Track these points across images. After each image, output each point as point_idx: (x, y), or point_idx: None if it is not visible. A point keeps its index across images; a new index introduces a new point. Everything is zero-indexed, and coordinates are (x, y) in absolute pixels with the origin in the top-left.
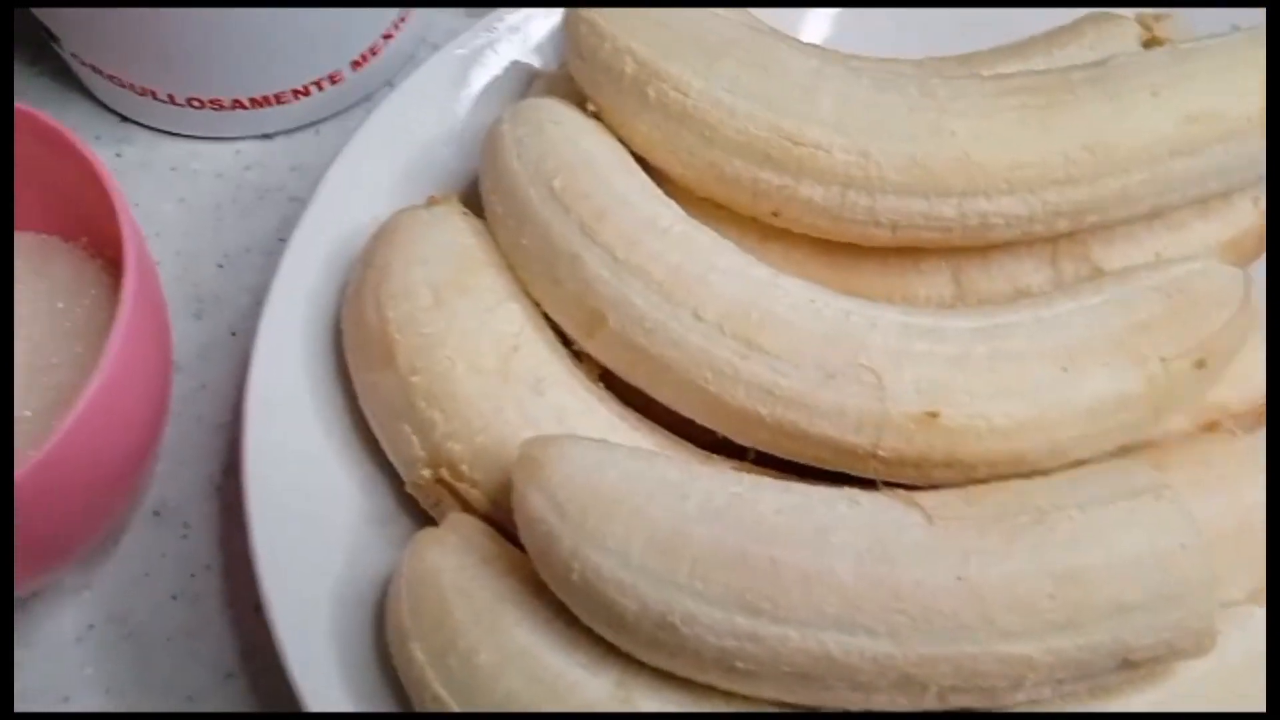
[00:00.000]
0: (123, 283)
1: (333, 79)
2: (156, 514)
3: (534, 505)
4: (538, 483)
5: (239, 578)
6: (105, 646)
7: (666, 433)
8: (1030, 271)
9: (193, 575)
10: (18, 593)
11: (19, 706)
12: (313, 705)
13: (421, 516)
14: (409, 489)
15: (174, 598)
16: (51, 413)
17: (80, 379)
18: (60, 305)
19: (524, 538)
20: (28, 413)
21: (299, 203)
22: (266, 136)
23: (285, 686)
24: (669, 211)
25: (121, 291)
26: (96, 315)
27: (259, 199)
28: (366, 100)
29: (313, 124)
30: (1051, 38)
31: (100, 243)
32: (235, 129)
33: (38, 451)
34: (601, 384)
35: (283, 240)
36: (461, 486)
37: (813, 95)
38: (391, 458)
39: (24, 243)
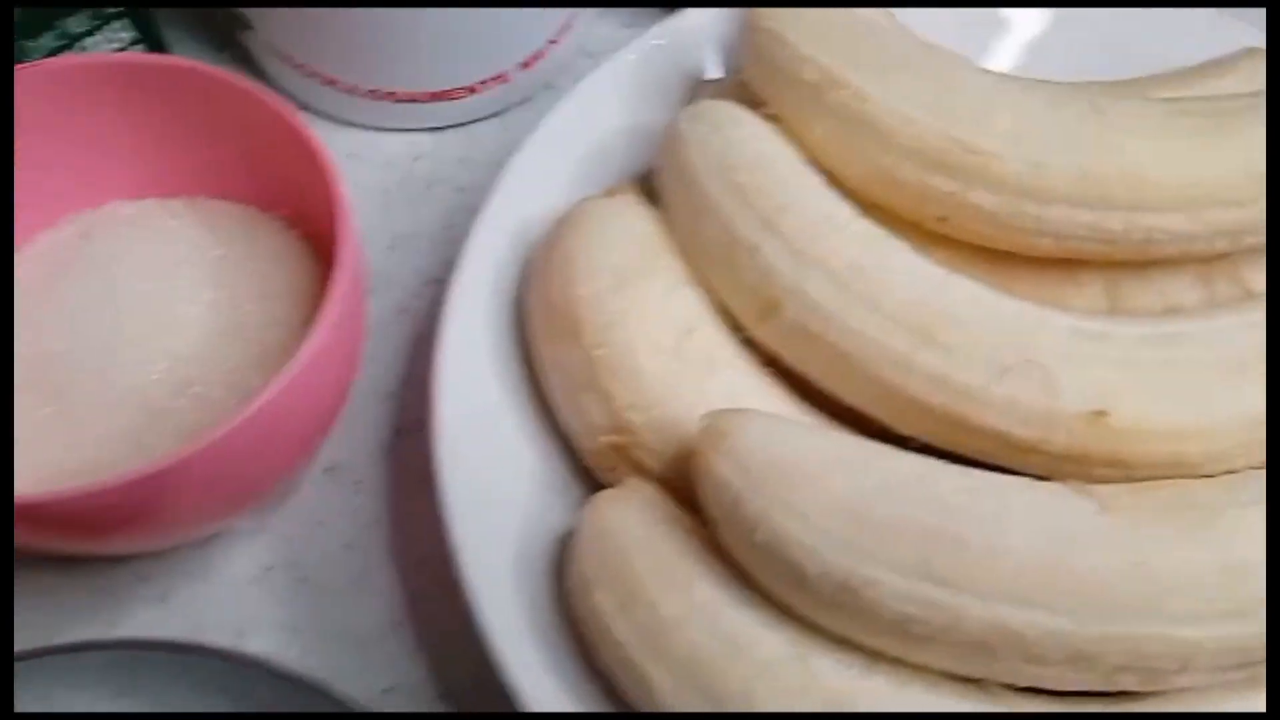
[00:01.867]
0: (337, 251)
1: (501, 78)
2: (329, 471)
3: (720, 471)
4: (725, 450)
5: (406, 534)
6: (281, 589)
7: (830, 419)
8: (1184, 289)
9: (363, 529)
10: (199, 536)
11: (197, 638)
12: (499, 642)
13: (593, 486)
14: (586, 456)
15: (346, 548)
16: (252, 368)
17: (279, 338)
18: (263, 269)
19: (708, 501)
20: (229, 365)
21: (464, 193)
22: (434, 130)
23: (450, 638)
24: (845, 210)
25: (336, 258)
26: (296, 282)
27: (426, 188)
28: (525, 101)
29: (476, 120)
30: (1207, 69)
31: (297, 217)
32: (407, 121)
33: (241, 404)
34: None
35: (448, 228)
36: (639, 454)
37: (988, 108)
38: (571, 426)
39: (229, 210)
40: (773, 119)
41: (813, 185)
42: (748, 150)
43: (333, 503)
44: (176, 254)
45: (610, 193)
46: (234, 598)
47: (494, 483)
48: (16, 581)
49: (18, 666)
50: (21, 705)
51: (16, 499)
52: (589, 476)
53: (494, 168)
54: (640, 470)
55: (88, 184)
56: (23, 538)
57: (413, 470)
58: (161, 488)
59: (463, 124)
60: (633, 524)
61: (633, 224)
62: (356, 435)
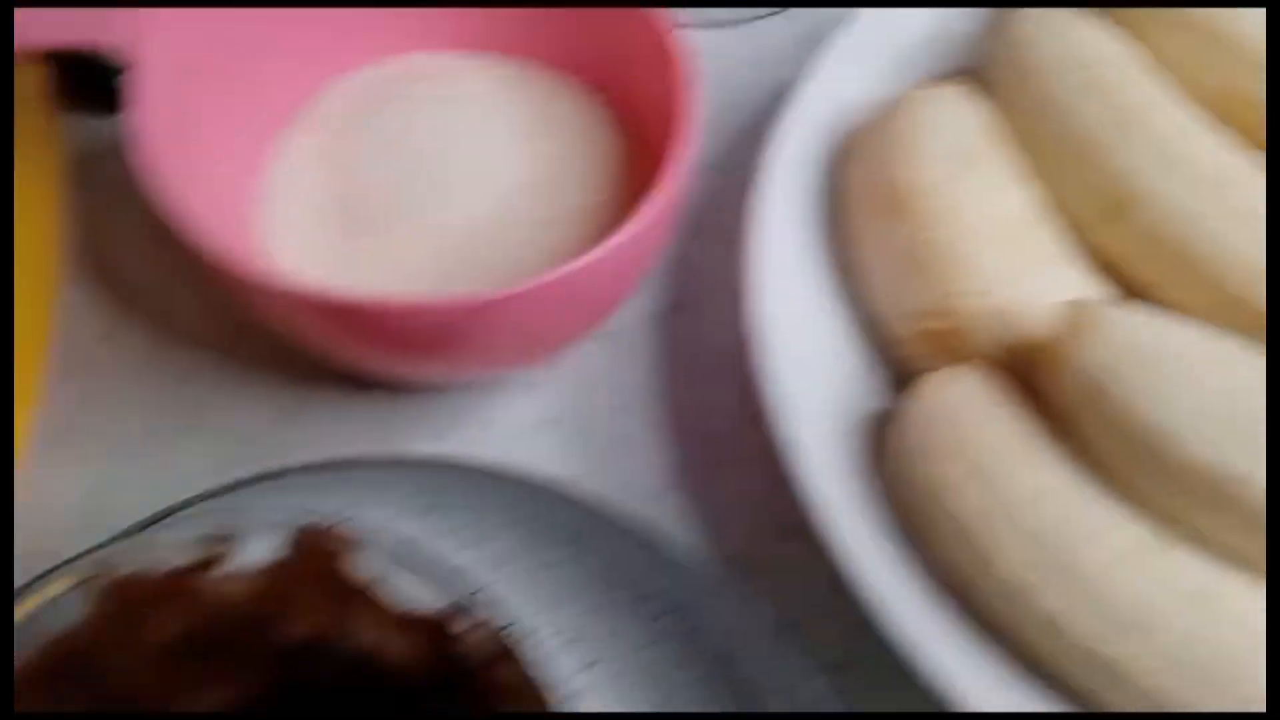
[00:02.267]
0: (676, 135)
1: None
2: (603, 337)
3: (1086, 358)
4: (1092, 337)
5: (677, 402)
6: (552, 443)
7: None
8: None
9: (633, 395)
10: (483, 379)
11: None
12: (822, 505)
13: (895, 372)
14: (899, 340)
15: (617, 412)
16: (561, 223)
17: (587, 199)
18: (572, 130)
19: (1067, 388)
20: (540, 217)
21: (731, 91)
22: (706, 27)
23: (724, 509)
24: (1201, 116)
25: (674, 141)
26: (604, 147)
27: None
28: (778, 12)
29: (746, 21)
30: None
31: (604, 85)
32: (683, 17)
33: (548, 257)
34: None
35: (716, 120)
36: (961, 340)
37: None
38: (889, 309)
39: (538, 70)
40: (1121, 24)
41: (1164, 89)
42: (1101, 49)
43: (606, 367)
44: (489, 107)
45: (936, 84)
46: (507, 446)
47: (802, 358)
48: (303, 402)
49: (320, 477)
50: (324, 509)
51: (340, 297)
52: (892, 363)
53: (758, 68)
54: (956, 356)
55: (401, 32)
56: (330, 347)
57: (683, 344)
58: (476, 320)
59: (734, 24)
60: (975, 402)
61: (969, 114)
62: (631, 306)
